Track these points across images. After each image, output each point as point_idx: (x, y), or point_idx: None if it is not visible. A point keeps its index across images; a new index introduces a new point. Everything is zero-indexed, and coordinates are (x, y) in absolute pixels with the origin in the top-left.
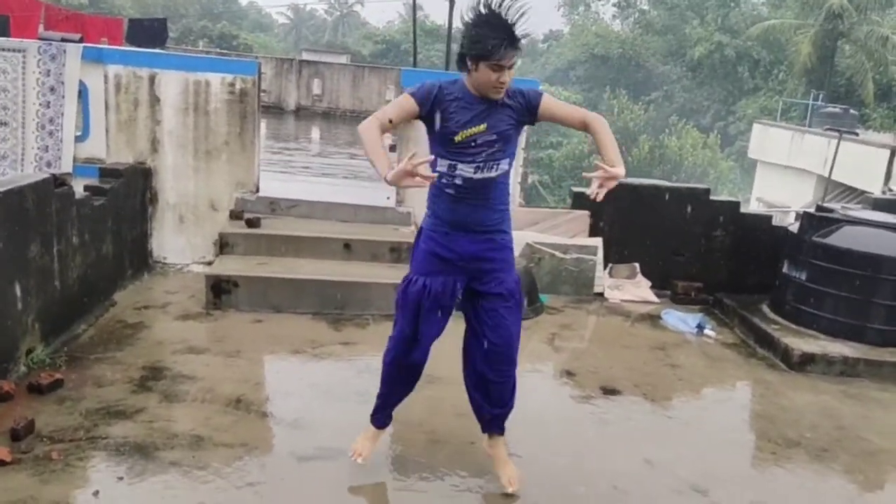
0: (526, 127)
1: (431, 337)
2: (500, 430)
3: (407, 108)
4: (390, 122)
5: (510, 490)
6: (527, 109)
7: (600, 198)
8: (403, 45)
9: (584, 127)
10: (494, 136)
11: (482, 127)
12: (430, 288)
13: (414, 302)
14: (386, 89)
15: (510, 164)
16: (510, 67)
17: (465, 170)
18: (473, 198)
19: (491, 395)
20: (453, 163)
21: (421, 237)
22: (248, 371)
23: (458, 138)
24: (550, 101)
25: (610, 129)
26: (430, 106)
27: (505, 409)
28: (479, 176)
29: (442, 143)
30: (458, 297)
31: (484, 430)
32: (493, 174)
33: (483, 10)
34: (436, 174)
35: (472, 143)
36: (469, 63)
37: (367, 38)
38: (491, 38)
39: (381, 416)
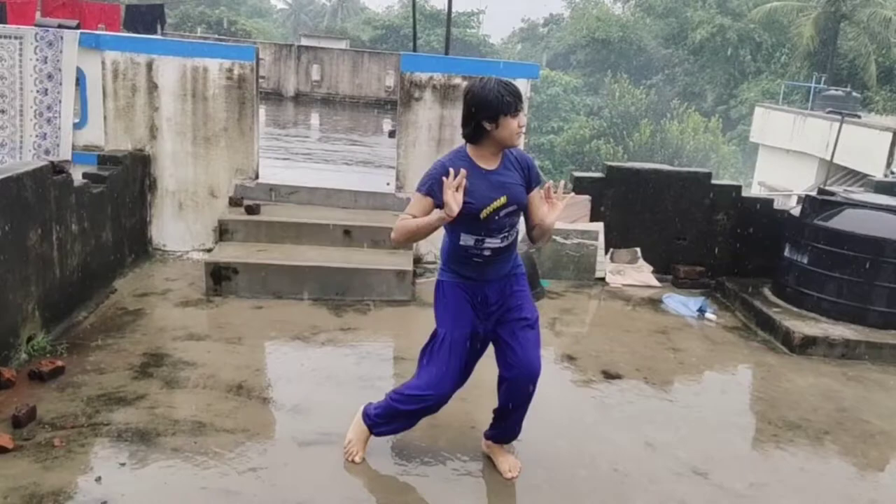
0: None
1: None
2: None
3: (425, 205)
4: (414, 216)
5: (510, 476)
6: (529, 182)
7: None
8: (403, 29)
9: (537, 226)
10: (514, 207)
11: (503, 200)
12: (462, 339)
13: (448, 355)
14: (386, 74)
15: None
16: (524, 111)
17: (493, 242)
18: (498, 260)
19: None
20: (480, 238)
21: (444, 289)
22: (248, 357)
23: (483, 215)
24: (538, 197)
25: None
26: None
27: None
28: (505, 244)
29: (466, 221)
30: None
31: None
32: (514, 236)
33: (484, 81)
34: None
35: (496, 217)
36: (488, 125)
37: (367, 23)
38: (504, 93)
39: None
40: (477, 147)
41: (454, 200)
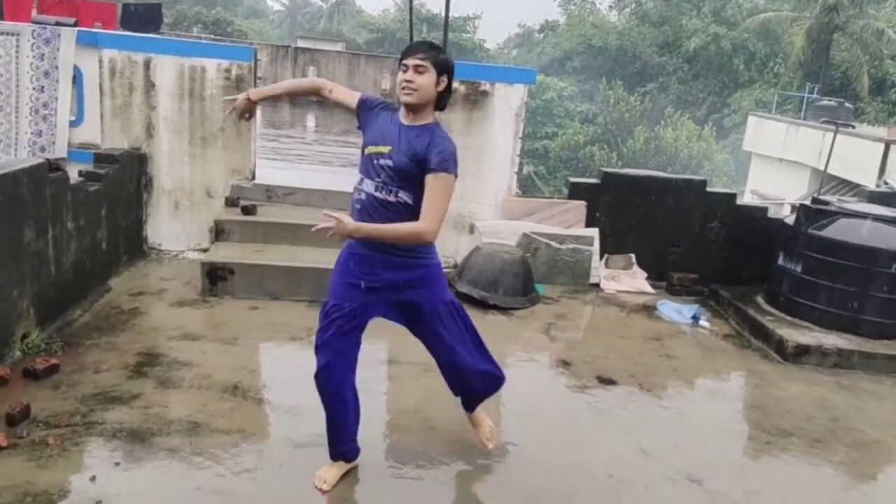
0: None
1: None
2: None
3: (349, 96)
4: (330, 91)
5: (490, 446)
6: (424, 162)
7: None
8: (399, 33)
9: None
10: (390, 163)
11: (385, 149)
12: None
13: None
14: (382, 78)
15: (413, 201)
16: (418, 71)
17: (368, 185)
18: (377, 216)
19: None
20: (361, 176)
21: (340, 255)
22: (244, 358)
23: (367, 150)
24: (431, 184)
25: (400, 233)
26: (364, 111)
27: (476, 398)
28: (379, 195)
29: (362, 151)
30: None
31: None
32: (391, 199)
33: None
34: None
35: (375, 161)
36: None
37: (363, 26)
38: (409, 46)
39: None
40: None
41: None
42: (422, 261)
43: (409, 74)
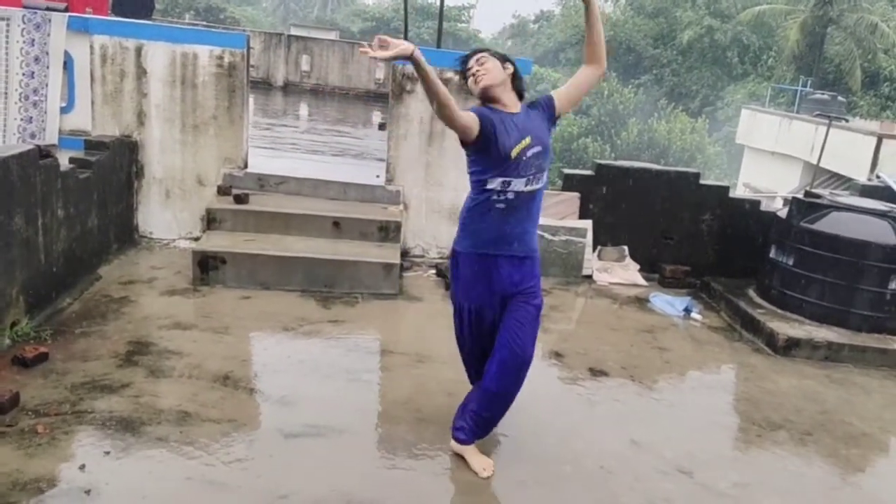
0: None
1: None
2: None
3: (470, 118)
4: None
5: (484, 475)
6: (551, 110)
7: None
8: (393, 22)
9: (589, 68)
10: (540, 148)
11: (528, 140)
12: (475, 313)
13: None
14: (376, 67)
15: (545, 180)
16: (480, 63)
17: (517, 185)
18: (519, 212)
19: (488, 404)
20: (504, 180)
21: (460, 262)
22: (235, 347)
23: (514, 153)
24: (561, 93)
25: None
26: (487, 125)
27: (491, 424)
28: (530, 188)
29: (496, 163)
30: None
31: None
32: (538, 186)
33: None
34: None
35: (523, 156)
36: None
37: (357, 14)
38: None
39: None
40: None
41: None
42: (536, 255)
43: (474, 67)
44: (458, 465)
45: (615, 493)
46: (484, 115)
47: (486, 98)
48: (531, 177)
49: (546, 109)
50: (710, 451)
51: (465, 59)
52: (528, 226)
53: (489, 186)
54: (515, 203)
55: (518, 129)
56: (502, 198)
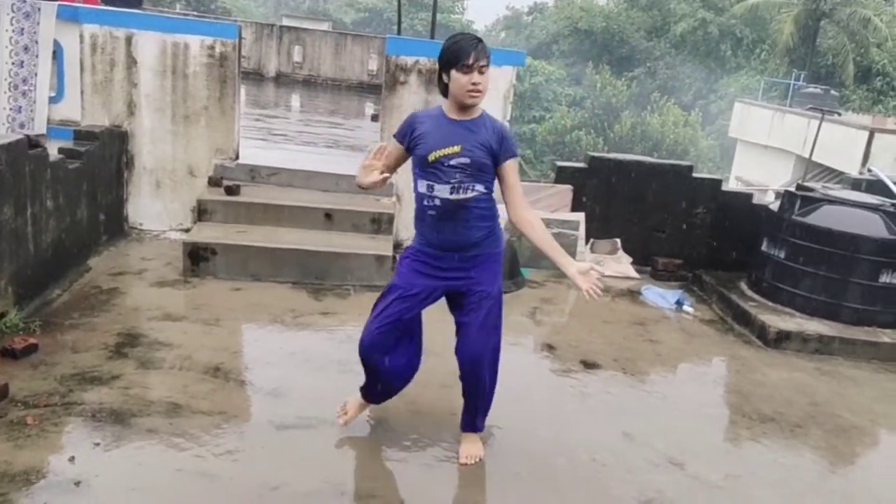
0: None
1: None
2: (469, 428)
3: (394, 149)
4: (386, 167)
5: (462, 462)
6: (497, 152)
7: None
8: (386, 13)
9: (519, 219)
10: (468, 161)
11: (456, 149)
12: (410, 293)
13: (394, 308)
14: (369, 58)
15: (488, 188)
16: (481, 73)
17: (442, 191)
18: (452, 218)
19: (468, 396)
20: (431, 183)
21: (408, 255)
22: (226, 339)
23: (430, 158)
24: (512, 169)
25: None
26: (409, 134)
27: (477, 414)
28: (454, 197)
29: (419, 164)
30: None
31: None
32: (468, 195)
33: (455, 36)
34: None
35: (445, 164)
36: (445, 77)
37: (350, 5)
38: (459, 41)
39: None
40: (447, 100)
41: (364, 167)
42: (490, 249)
43: (476, 77)
44: (452, 457)
45: (607, 485)
46: (408, 129)
47: (454, 101)
48: (455, 185)
49: (497, 146)
50: (702, 443)
51: (468, 54)
52: (467, 233)
53: (418, 189)
54: (445, 209)
55: (451, 135)
56: (430, 203)
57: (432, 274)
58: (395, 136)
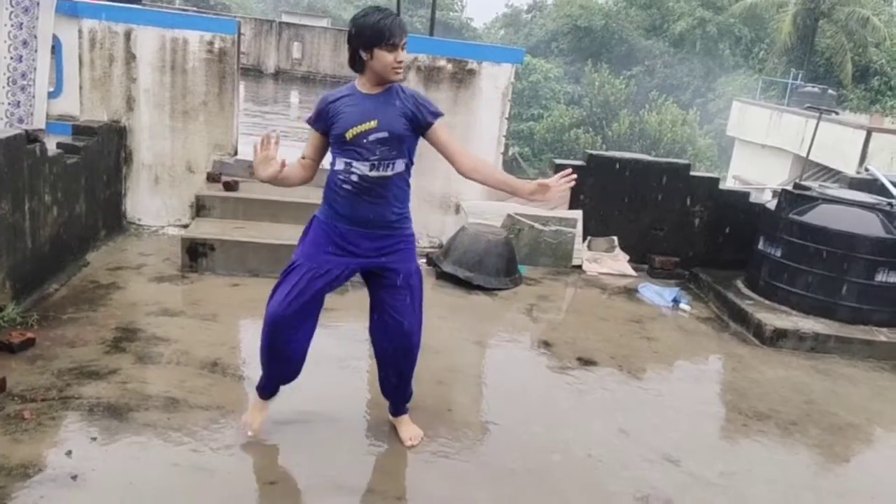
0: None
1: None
2: (404, 411)
3: (311, 136)
4: (303, 157)
5: (409, 444)
6: (419, 122)
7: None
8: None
9: (466, 169)
10: (386, 135)
11: (373, 123)
12: (316, 274)
13: (297, 285)
14: None
15: (407, 166)
16: (403, 49)
17: (360, 167)
18: (370, 195)
19: (392, 378)
20: (349, 161)
21: (313, 225)
22: (224, 334)
23: (348, 135)
24: (443, 131)
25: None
26: (323, 118)
27: (405, 392)
28: (374, 174)
29: (337, 144)
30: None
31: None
32: (388, 173)
33: (367, 10)
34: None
35: (364, 141)
36: (364, 55)
37: (349, 1)
38: (382, 20)
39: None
40: (361, 77)
41: (260, 163)
42: (402, 231)
43: (401, 54)
44: (448, 452)
45: (603, 481)
46: (323, 110)
47: (371, 78)
48: (376, 162)
49: (416, 112)
50: (698, 440)
51: (394, 32)
52: (384, 210)
53: (335, 167)
54: (363, 186)
55: (367, 111)
56: (348, 179)
57: (344, 253)
58: (309, 122)
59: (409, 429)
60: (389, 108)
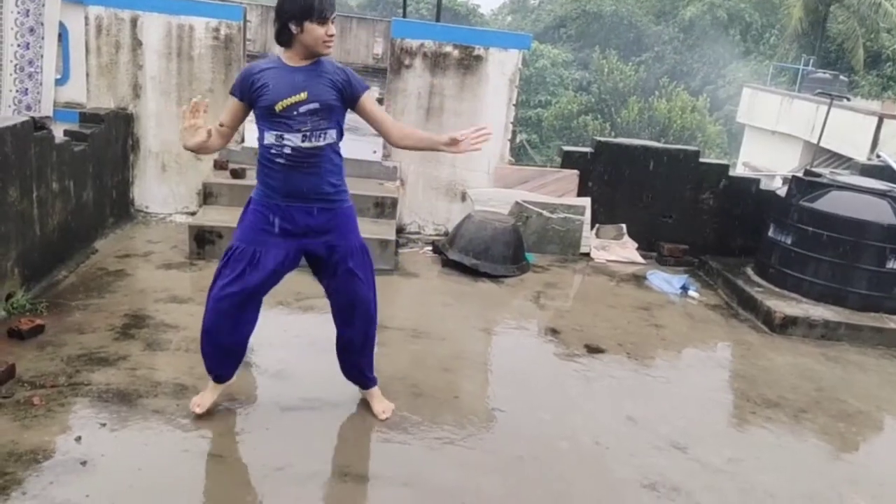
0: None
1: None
2: (372, 384)
3: (232, 104)
4: (221, 125)
5: (382, 417)
6: (349, 93)
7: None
8: None
9: (397, 138)
10: (317, 105)
11: (303, 95)
12: (258, 257)
13: (238, 271)
14: (374, 42)
15: (339, 137)
16: (333, 22)
17: (293, 139)
18: (304, 167)
19: (354, 354)
20: (280, 133)
21: (250, 207)
22: None
23: (278, 107)
24: (371, 102)
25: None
26: (247, 89)
27: (371, 369)
28: (307, 145)
29: (265, 116)
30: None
31: (359, 386)
32: (320, 143)
33: None
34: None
35: (295, 113)
36: (294, 28)
37: None
38: None
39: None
40: (287, 51)
41: (186, 130)
42: (341, 204)
43: (331, 28)
44: (454, 439)
45: (610, 469)
46: (247, 81)
47: (300, 51)
48: (307, 133)
49: (345, 84)
50: (705, 427)
51: (329, 8)
52: (318, 181)
53: (266, 141)
54: (297, 158)
55: (296, 83)
56: (280, 152)
57: (284, 234)
58: (231, 93)
59: (381, 402)
60: (318, 79)
